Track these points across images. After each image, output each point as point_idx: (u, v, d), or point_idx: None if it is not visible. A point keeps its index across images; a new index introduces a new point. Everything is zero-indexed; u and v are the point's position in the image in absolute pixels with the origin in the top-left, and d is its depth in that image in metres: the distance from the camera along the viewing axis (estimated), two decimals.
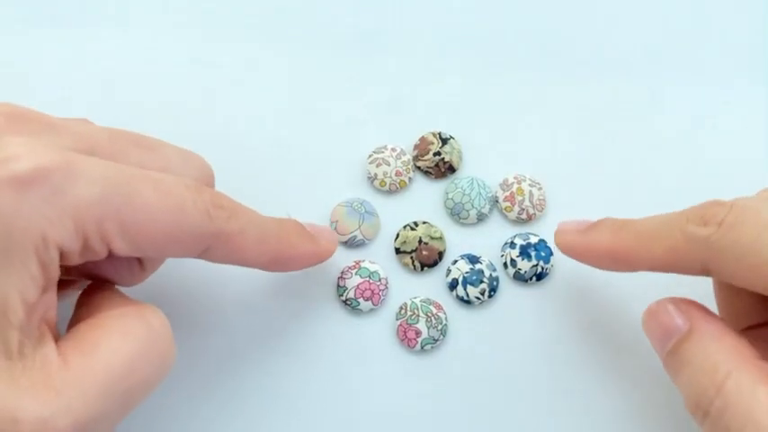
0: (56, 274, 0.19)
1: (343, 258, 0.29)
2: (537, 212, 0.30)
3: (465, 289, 0.28)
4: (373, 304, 0.28)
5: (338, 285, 0.28)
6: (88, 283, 0.23)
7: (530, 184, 0.30)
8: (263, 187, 0.30)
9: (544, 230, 0.29)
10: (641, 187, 0.30)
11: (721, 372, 0.21)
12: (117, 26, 0.32)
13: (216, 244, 0.22)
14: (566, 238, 0.26)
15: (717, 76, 0.32)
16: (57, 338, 0.20)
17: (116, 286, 0.23)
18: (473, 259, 0.29)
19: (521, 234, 0.29)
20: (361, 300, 0.28)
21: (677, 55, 0.32)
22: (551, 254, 0.29)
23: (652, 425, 0.27)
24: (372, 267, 0.28)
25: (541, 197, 0.30)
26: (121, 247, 0.20)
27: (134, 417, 0.21)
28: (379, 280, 0.28)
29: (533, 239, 0.29)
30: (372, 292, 0.28)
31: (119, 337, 0.20)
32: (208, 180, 0.25)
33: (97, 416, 0.18)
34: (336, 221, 0.29)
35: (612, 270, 0.25)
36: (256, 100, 0.31)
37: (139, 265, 0.24)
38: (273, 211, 0.29)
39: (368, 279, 0.28)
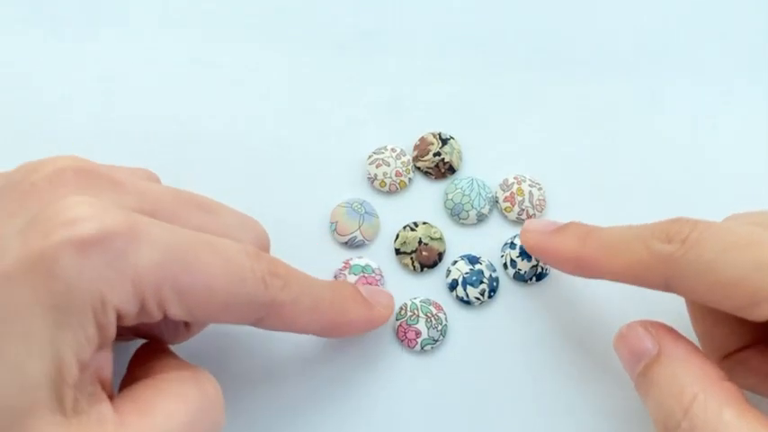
0: (112, 334, 0.19)
1: (333, 259, 0.29)
2: (537, 213, 0.30)
3: (465, 289, 0.28)
4: None
5: None
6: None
7: (530, 185, 0.30)
8: (264, 187, 0.30)
9: None
10: (641, 187, 0.30)
11: (688, 394, 0.21)
12: (117, 26, 0.32)
13: (270, 313, 0.22)
14: (532, 238, 0.26)
15: (717, 76, 0.32)
16: (112, 397, 0.20)
17: (170, 347, 0.23)
18: (473, 260, 0.29)
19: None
20: None
21: (677, 55, 0.32)
22: None
23: (652, 423, 0.27)
24: (362, 262, 0.28)
25: (541, 197, 0.30)
26: (177, 313, 0.20)
27: None
28: (373, 271, 0.28)
29: None
30: (371, 285, 0.28)
31: (175, 402, 0.20)
32: (264, 245, 0.25)
33: None
34: (336, 222, 0.29)
35: (576, 275, 0.26)
36: (256, 100, 0.31)
37: (185, 325, 0.24)
38: (274, 210, 0.29)
39: (363, 274, 0.28)
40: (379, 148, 0.30)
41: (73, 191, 0.20)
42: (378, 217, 0.29)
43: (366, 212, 0.29)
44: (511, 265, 0.29)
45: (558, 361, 0.28)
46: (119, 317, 0.19)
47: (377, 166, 0.30)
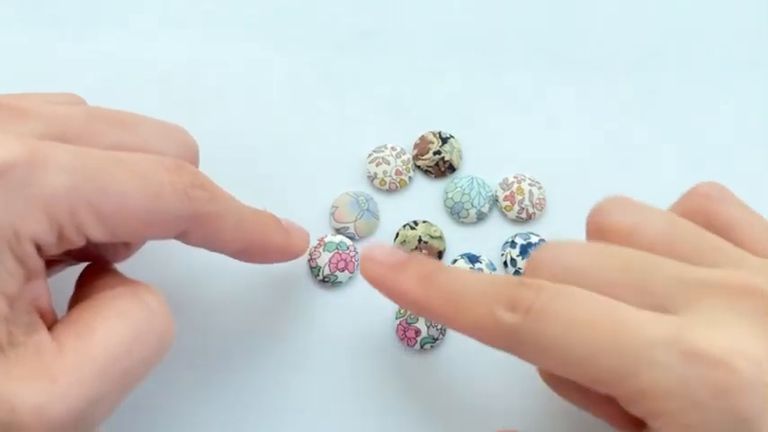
0: (37, 265, 0.19)
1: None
2: (537, 212, 0.29)
3: None
4: (350, 272, 0.28)
5: (311, 267, 0.28)
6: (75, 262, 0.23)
7: (530, 184, 0.30)
8: (263, 187, 0.30)
9: (544, 230, 0.29)
10: (641, 187, 0.30)
11: None
12: (117, 26, 0.32)
13: (194, 226, 0.21)
14: (372, 270, 0.24)
15: (717, 75, 0.32)
16: (53, 323, 0.19)
17: (113, 266, 0.23)
18: (473, 258, 0.29)
19: (521, 233, 0.29)
20: (337, 273, 0.28)
21: (677, 54, 0.32)
22: None
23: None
24: (337, 239, 0.29)
25: (541, 196, 0.30)
26: (98, 235, 0.19)
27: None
28: (347, 248, 0.28)
29: (534, 239, 0.29)
30: (346, 261, 0.28)
31: (114, 319, 0.19)
32: (191, 156, 0.24)
33: (94, 399, 0.18)
34: (337, 207, 0.29)
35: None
36: (256, 100, 0.31)
37: (124, 244, 0.23)
38: (273, 210, 0.29)
39: (337, 251, 0.28)
40: (380, 147, 0.30)
41: None
42: (378, 219, 0.29)
43: (368, 209, 0.29)
44: (511, 263, 0.28)
45: None
46: (39, 247, 0.18)
47: (377, 165, 0.30)
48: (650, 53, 0.32)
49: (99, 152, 0.20)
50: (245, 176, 0.30)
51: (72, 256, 0.22)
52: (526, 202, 0.29)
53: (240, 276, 0.28)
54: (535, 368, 0.24)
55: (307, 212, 0.29)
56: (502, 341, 0.20)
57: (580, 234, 0.29)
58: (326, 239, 0.29)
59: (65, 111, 0.21)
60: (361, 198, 0.29)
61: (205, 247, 0.23)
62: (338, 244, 0.28)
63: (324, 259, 0.28)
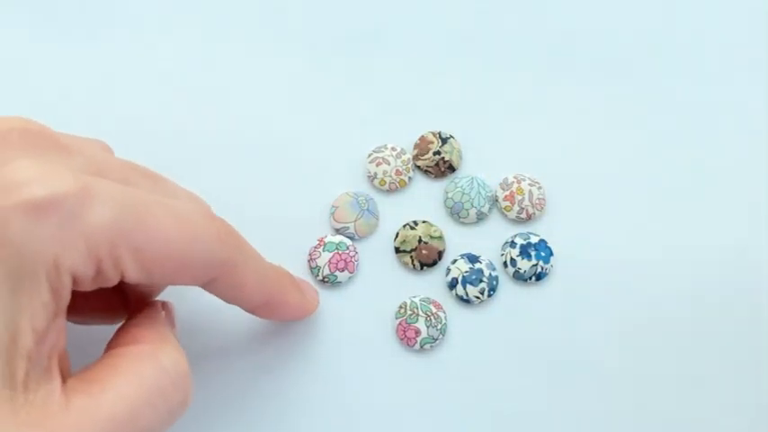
0: (67, 299, 0.18)
1: (306, 239, 0.29)
2: (537, 212, 0.29)
3: (464, 288, 0.28)
4: (350, 272, 0.28)
5: (311, 267, 0.28)
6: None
7: (529, 184, 0.30)
8: (263, 187, 0.30)
9: (544, 230, 0.29)
10: (641, 187, 0.30)
11: None
12: (117, 26, 0.32)
13: (223, 274, 0.22)
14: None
15: (717, 75, 0.32)
16: (66, 372, 0.19)
17: (154, 315, 0.22)
18: (472, 258, 0.29)
19: (521, 233, 0.29)
20: (337, 273, 0.28)
21: (677, 55, 0.32)
22: (551, 254, 0.29)
23: (650, 424, 0.27)
24: (337, 239, 0.29)
25: (541, 196, 0.30)
26: (133, 273, 0.19)
27: None
28: (347, 248, 0.28)
29: (534, 239, 0.29)
30: (345, 261, 0.28)
31: (127, 380, 0.19)
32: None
33: None
34: (337, 207, 0.29)
35: None
36: (256, 99, 0.31)
37: (123, 305, 0.24)
38: (274, 209, 0.29)
39: (336, 251, 0.28)
40: (379, 147, 0.30)
41: (20, 153, 0.19)
42: (378, 219, 0.29)
43: (368, 209, 0.29)
44: (511, 263, 0.29)
45: (557, 360, 0.28)
46: (75, 280, 0.18)
47: (377, 165, 0.30)
48: (650, 53, 0.32)
49: (141, 192, 0.20)
50: (245, 176, 0.30)
51: (98, 306, 0.23)
52: (526, 202, 0.29)
53: None
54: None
55: (307, 212, 0.29)
56: None
57: (580, 233, 0.29)
58: (326, 239, 0.29)
59: (104, 155, 0.22)
60: (361, 198, 0.29)
61: (227, 298, 0.23)
62: (338, 244, 0.29)
63: (324, 259, 0.28)
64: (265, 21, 0.33)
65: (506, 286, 0.29)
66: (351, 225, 0.29)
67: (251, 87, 0.31)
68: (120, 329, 0.22)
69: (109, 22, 0.32)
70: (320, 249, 0.28)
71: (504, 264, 0.29)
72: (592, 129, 0.31)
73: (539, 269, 0.28)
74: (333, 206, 0.29)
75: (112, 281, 0.19)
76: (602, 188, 0.30)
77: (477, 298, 0.28)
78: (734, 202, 0.30)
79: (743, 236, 0.30)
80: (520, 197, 0.29)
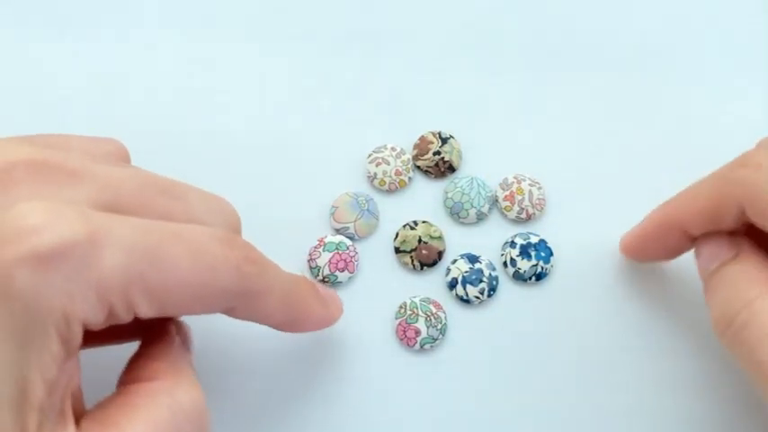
0: (78, 344, 0.18)
1: (306, 239, 0.29)
2: (536, 212, 0.29)
3: (464, 288, 0.28)
4: (350, 272, 0.28)
5: (311, 267, 0.28)
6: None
7: (529, 184, 0.30)
8: (264, 187, 0.30)
9: (544, 230, 0.29)
10: (641, 187, 0.30)
11: (753, 291, 0.22)
12: (117, 26, 0.32)
13: (242, 302, 0.21)
14: (625, 240, 0.28)
15: (717, 76, 0.32)
16: (80, 409, 0.19)
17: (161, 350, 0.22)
18: (472, 258, 0.29)
19: (521, 234, 0.29)
20: (337, 273, 0.28)
21: (677, 55, 0.32)
22: (551, 254, 0.29)
23: (651, 423, 0.27)
24: (337, 239, 0.29)
25: (541, 196, 0.30)
26: (146, 311, 0.19)
27: None
28: (347, 248, 0.28)
29: (534, 239, 0.29)
30: (345, 261, 0.28)
31: (142, 419, 0.18)
32: (235, 227, 0.23)
33: None
34: (337, 207, 0.29)
35: (663, 249, 0.27)
36: (256, 99, 0.31)
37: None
38: (273, 209, 0.29)
39: (336, 251, 0.28)
40: (379, 147, 0.30)
41: (25, 193, 0.18)
42: (378, 219, 0.29)
43: (368, 210, 0.29)
44: (511, 264, 0.29)
45: (557, 360, 0.28)
46: (85, 326, 0.18)
47: (377, 165, 0.30)
48: (649, 53, 0.32)
49: (154, 224, 0.19)
50: (245, 176, 0.30)
51: (110, 334, 0.22)
52: (526, 202, 0.29)
53: None
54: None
55: (307, 212, 0.29)
56: (735, 196, 0.23)
57: (580, 233, 0.29)
58: (326, 240, 0.29)
59: (117, 175, 0.20)
60: (361, 198, 0.29)
61: (248, 320, 0.22)
62: (338, 244, 0.29)
63: (324, 259, 0.28)
64: (265, 21, 0.33)
65: (506, 287, 0.29)
66: (351, 225, 0.29)
67: (251, 87, 0.31)
68: (133, 360, 0.21)
69: (109, 21, 0.32)
70: (320, 249, 0.28)
71: (504, 264, 0.29)
72: (592, 129, 0.31)
73: (539, 269, 0.28)
74: (333, 206, 0.29)
75: (125, 320, 0.19)
76: (602, 188, 0.30)
77: (477, 298, 0.28)
78: None
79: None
80: (520, 197, 0.29)
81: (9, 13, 0.32)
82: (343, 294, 0.28)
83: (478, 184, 0.30)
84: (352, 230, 0.29)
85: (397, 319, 0.28)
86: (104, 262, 0.17)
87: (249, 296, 0.21)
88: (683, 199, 0.25)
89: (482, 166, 0.30)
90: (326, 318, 0.25)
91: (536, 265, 0.28)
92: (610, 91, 0.32)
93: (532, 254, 0.29)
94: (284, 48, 0.32)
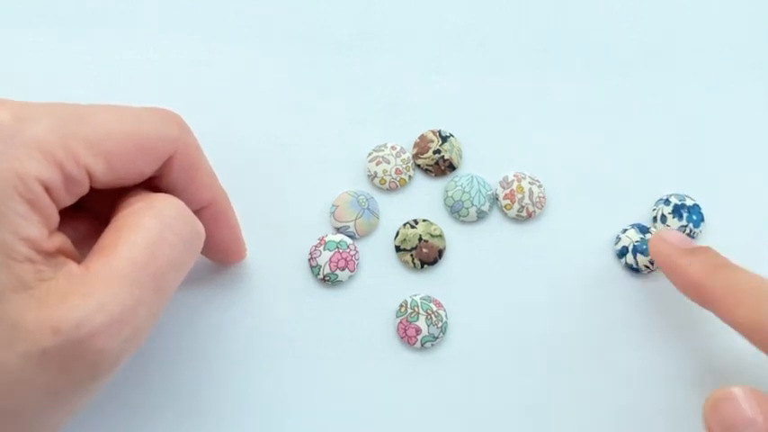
0: (50, 208, 0.20)
1: (306, 238, 0.29)
2: (537, 210, 0.29)
3: (635, 257, 0.28)
4: (350, 271, 0.28)
5: (311, 266, 0.28)
6: None
7: (529, 182, 0.30)
8: (264, 186, 0.30)
9: (544, 228, 0.29)
10: (641, 186, 0.30)
11: None
12: (117, 26, 0.32)
13: (178, 151, 0.23)
14: (662, 247, 0.26)
15: (717, 76, 0.32)
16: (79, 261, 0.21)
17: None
18: (643, 229, 0.29)
19: (677, 194, 0.30)
20: (337, 271, 0.28)
21: (677, 55, 0.32)
22: (702, 220, 0.29)
23: (653, 423, 0.27)
24: (337, 238, 0.29)
25: (541, 195, 0.30)
26: (96, 167, 0.21)
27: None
28: (348, 247, 0.28)
29: (689, 201, 0.29)
30: (346, 260, 0.28)
31: (132, 232, 0.21)
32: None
33: (131, 304, 0.20)
34: (337, 206, 0.29)
35: (691, 299, 0.25)
36: (256, 100, 0.31)
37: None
38: (274, 209, 0.29)
39: (337, 250, 0.28)
40: (380, 146, 0.30)
41: None
42: (378, 218, 0.29)
43: (368, 209, 0.29)
44: (661, 219, 0.29)
45: (558, 360, 0.28)
46: (48, 190, 0.20)
47: (377, 164, 0.30)
48: (650, 53, 0.32)
49: (73, 103, 0.21)
50: (245, 176, 0.30)
51: None
52: (526, 200, 0.29)
53: (240, 276, 0.28)
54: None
55: (307, 212, 0.29)
56: None
57: (579, 233, 0.29)
58: (327, 238, 0.29)
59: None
60: (362, 197, 0.29)
61: (183, 184, 0.24)
62: (338, 243, 0.29)
63: (324, 258, 0.28)
64: (265, 21, 0.33)
65: (509, 283, 0.29)
66: (351, 224, 0.29)
67: (251, 87, 0.31)
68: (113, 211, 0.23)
69: (109, 21, 0.32)
70: (321, 248, 0.28)
71: (654, 218, 0.29)
72: (591, 127, 0.31)
73: (688, 231, 0.29)
74: (333, 205, 0.29)
75: (83, 183, 0.21)
76: (601, 187, 0.30)
77: (647, 267, 0.28)
78: (734, 201, 0.30)
79: (742, 234, 0.30)
80: (520, 195, 0.29)
81: (10, 14, 0.32)
82: (344, 293, 0.28)
83: (479, 183, 0.30)
84: (352, 229, 0.29)
85: (397, 317, 0.28)
86: (35, 125, 0.20)
87: (181, 143, 0.23)
88: (726, 292, 0.24)
89: (482, 165, 0.30)
90: (239, 244, 0.27)
91: (686, 226, 0.29)
92: (610, 90, 0.32)
93: (684, 215, 0.29)
94: (284, 48, 0.32)
